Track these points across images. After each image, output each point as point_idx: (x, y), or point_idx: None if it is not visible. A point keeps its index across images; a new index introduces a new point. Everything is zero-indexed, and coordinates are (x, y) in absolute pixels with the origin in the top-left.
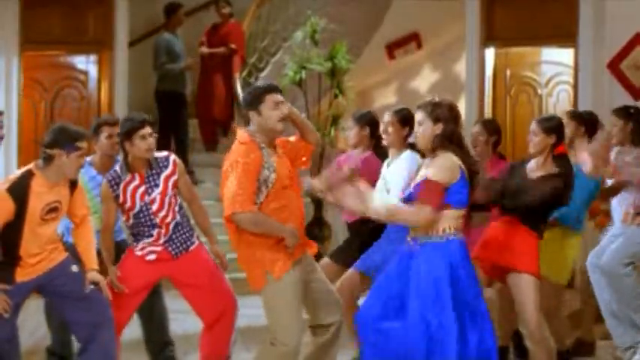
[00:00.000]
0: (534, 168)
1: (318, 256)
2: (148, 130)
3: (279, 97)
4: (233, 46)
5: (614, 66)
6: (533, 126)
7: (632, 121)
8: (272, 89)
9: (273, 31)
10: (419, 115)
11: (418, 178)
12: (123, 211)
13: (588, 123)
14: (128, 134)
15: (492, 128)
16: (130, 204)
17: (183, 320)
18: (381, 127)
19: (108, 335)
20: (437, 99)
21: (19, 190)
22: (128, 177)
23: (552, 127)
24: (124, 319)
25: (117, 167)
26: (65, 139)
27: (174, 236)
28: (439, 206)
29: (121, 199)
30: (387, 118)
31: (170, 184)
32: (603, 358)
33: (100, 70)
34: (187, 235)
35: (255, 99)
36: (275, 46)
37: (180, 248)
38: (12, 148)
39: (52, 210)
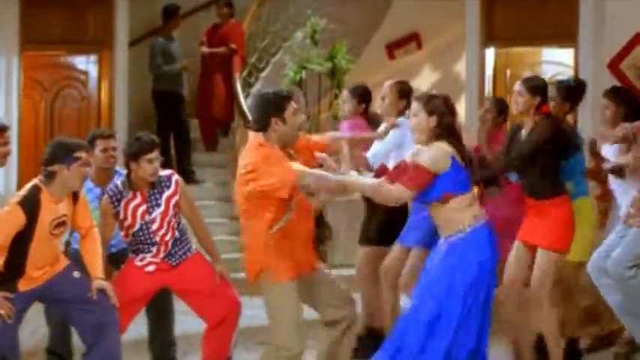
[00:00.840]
0: (524, 132)
1: (318, 257)
2: (155, 154)
3: (295, 104)
4: (233, 46)
5: (614, 66)
6: (518, 86)
7: (623, 103)
8: (292, 96)
9: (273, 31)
10: (414, 107)
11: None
12: (121, 228)
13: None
14: (135, 155)
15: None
16: (131, 222)
17: (183, 320)
18: (380, 97)
19: (113, 337)
20: (433, 92)
21: (30, 204)
22: (130, 195)
23: (538, 86)
24: (122, 326)
25: (118, 182)
26: (63, 152)
27: (173, 251)
28: (447, 198)
29: (121, 216)
30: (386, 88)
31: (172, 204)
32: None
33: (100, 70)
34: (186, 247)
35: (280, 106)
36: (275, 46)
37: (179, 260)
38: (12, 148)
39: (60, 224)
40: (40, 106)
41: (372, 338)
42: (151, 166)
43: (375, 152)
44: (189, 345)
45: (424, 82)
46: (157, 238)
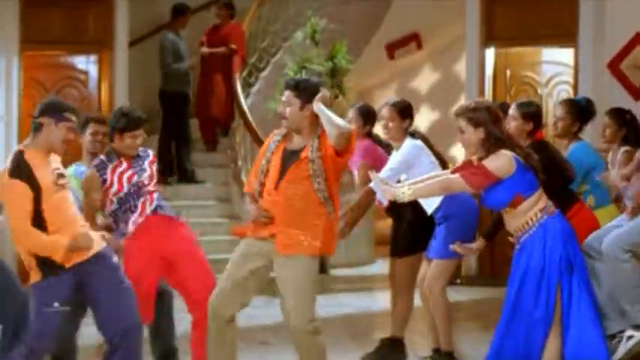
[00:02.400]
0: None
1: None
2: (140, 131)
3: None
4: (233, 46)
5: (614, 66)
6: (512, 110)
7: (626, 127)
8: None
9: (273, 31)
10: (460, 123)
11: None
12: (105, 198)
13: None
14: (121, 130)
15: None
16: (117, 187)
17: (183, 319)
18: (381, 123)
19: (137, 341)
20: (473, 103)
21: (20, 169)
22: (115, 162)
23: (530, 113)
24: (149, 313)
25: (101, 156)
26: (54, 107)
27: (159, 203)
28: (518, 201)
29: (108, 183)
30: (385, 112)
31: (154, 169)
32: None
33: (100, 70)
34: (173, 211)
35: (314, 92)
36: (275, 46)
37: (170, 212)
38: (12, 148)
39: (61, 175)
40: None
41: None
42: (133, 142)
43: (384, 177)
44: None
45: (424, 82)
46: (143, 197)
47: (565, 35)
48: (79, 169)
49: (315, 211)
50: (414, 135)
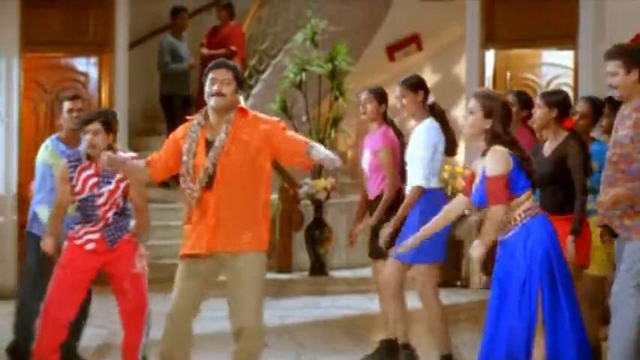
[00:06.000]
0: (547, 146)
1: (318, 259)
2: (94, 126)
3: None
4: (233, 47)
5: None
6: (537, 99)
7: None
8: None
9: (273, 33)
10: (472, 104)
11: (477, 180)
12: (72, 192)
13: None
14: (81, 125)
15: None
16: (80, 189)
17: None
18: (397, 102)
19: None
20: (494, 93)
21: None
22: (86, 163)
23: (554, 101)
24: (70, 314)
25: (82, 148)
26: None
27: (111, 227)
28: (509, 198)
29: (73, 182)
30: (397, 91)
31: (122, 186)
32: None
33: (100, 71)
34: (124, 223)
35: None
36: (275, 48)
37: (115, 236)
38: (12, 149)
39: None
40: (40, 108)
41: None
42: (87, 138)
43: (425, 174)
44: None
45: None
46: (100, 213)
47: (565, 37)
48: (60, 148)
49: None
50: (433, 108)
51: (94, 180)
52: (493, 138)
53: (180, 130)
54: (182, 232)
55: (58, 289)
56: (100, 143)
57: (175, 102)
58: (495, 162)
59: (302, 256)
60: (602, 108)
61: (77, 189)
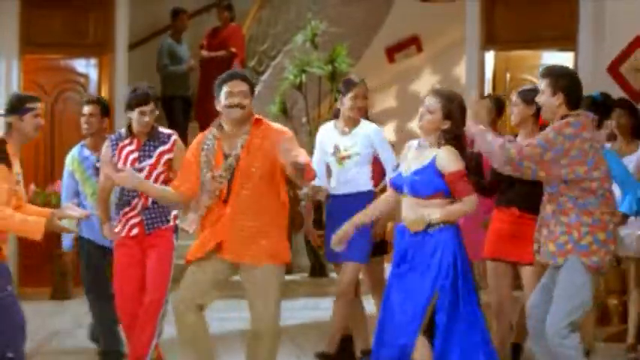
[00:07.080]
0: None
1: (318, 261)
2: (148, 107)
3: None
4: (233, 49)
5: (614, 69)
6: (514, 97)
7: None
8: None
9: (273, 35)
10: (430, 101)
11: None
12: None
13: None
14: (129, 107)
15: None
16: (121, 165)
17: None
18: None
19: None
20: (452, 94)
21: (4, 155)
22: (127, 140)
23: (531, 97)
24: (137, 309)
25: (123, 130)
26: (15, 104)
27: (151, 208)
28: (444, 198)
29: (115, 159)
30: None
31: (163, 160)
32: None
33: (100, 73)
34: (164, 211)
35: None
36: (275, 49)
37: (154, 222)
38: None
39: (17, 182)
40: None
41: None
42: (142, 117)
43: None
44: None
45: (424, 85)
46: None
47: (565, 38)
48: (83, 153)
49: None
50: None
51: (135, 155)
52: (448, 140)
53: (194, 144)
54: (196, 235)
55: (121, 294)
56: (151, 122)
57: (176, 103)
58: (455, 158)
59: (302, 257)
60: (600, 104)
61: (119, 166)
